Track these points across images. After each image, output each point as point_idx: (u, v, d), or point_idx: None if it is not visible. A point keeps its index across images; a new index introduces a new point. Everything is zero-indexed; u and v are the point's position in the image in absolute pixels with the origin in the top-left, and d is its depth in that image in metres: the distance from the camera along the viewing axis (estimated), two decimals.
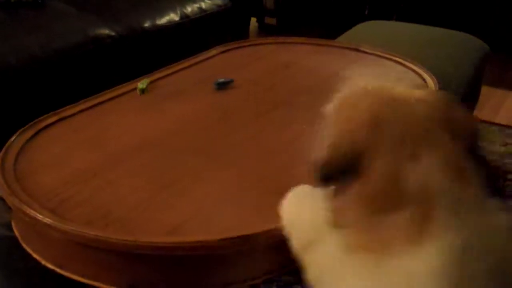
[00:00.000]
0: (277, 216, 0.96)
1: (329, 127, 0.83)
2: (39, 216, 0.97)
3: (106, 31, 2.07)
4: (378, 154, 0.75)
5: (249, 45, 1.85)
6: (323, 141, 0.82)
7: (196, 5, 2.42)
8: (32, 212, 0.98)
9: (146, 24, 2.21)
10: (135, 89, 1.48)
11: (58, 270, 1.00)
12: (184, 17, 2.34)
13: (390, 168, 0.74)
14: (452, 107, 0.80)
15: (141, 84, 1.49)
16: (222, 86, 1.50)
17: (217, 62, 1.71)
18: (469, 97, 2.08)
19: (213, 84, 1.50)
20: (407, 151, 0.74)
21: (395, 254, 0.71)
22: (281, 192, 1.07)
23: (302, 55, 1.76)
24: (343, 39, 2.16)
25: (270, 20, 3.87)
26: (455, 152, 0.76)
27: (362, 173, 0.76)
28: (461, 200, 0.73)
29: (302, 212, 0.93)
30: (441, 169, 0.74)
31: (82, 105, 1.38)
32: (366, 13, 3.42)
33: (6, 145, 1.19)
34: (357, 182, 0.76)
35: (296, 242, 0.89)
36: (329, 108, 0.86)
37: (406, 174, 0.73)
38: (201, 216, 1.00)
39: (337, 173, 0.79)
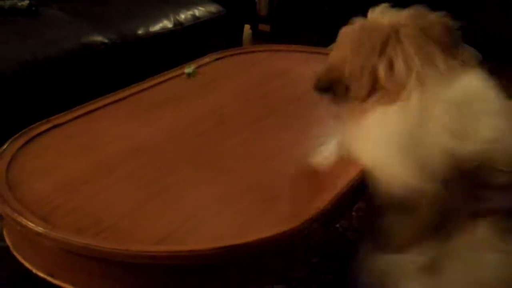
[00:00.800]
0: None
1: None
2: (31, 224, 0.97)
3: (99, 38, 2.07)
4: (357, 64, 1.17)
5: (243, 53, 1.85)
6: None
7: (189, 12, 2.42)
8: (24, 221, 0.98)
9: (140, 31, 2.21)
10: (128, 96, 1.48)
11: (49, 278, 1.00)
12: (178, 24, 2.35)
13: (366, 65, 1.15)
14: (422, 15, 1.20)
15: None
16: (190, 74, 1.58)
17: (210, 69, 1.71)
18: None
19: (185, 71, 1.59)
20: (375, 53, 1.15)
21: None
22: (272, 200, 1.07)
23: (295, 63, 1.76)
24: None
25: (264, 27, 3.87)
26: (423, 44, 1.15)
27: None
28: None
29: None
30: (408, 56, 1.14)
31: (75, 113, 1.38)
32: None
33: None
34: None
35: None
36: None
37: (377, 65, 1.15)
38: (192, 225, 1.00)
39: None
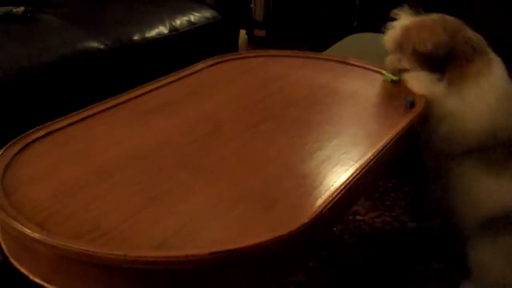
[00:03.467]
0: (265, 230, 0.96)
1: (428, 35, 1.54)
2: (27, 231, 0.97)
3: (95, 44, 2.07)
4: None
5: (238, 58, 1.85)
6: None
7: (185, 18, 2.43)
8: (20, 227, 0.98)
9: (135, 37, 2.21)
10: (123, 102, 1.48)
11: (46, 285, 0.99)
12: (173, 30, 2.35)
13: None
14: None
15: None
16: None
17: (206, 75, 1.71)
18: None
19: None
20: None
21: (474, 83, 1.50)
22: (269, 205, 1.07)
23: (291, 68, 1.77)
24: (332, 51, 2.17)
25: (260, 33, 3.88)
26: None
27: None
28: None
29: None
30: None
31: (71, 119, 1.38)
32: (354, 25, 3.44)
33: None
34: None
35: None
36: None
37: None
38: (189, 230, 1.00)
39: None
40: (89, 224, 1.01)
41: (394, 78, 1.63)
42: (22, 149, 1.24)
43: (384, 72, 1.67)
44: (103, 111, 1.43)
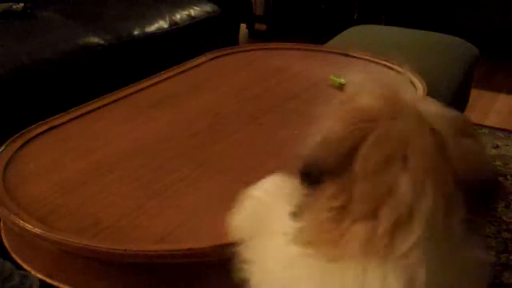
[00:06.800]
0: None
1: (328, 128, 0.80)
2: (28, 226, 0.97)
3: (95, 40, 2.07)
4: (365, 162, 0.69)
5: (239, 52, 1.85)
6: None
7: (185, 12, 2.42)
8: (21, 222, 0.98)
9: (136, 32, 2.21)
10: (124, 97, 1.48)
11: (48, 280, 0.99)
12: (173, 24, 2.34)
13: (374, 180, 0.68)
14: (462, 133, 0.71)
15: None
16: None
17: (207, 68, 1.71)
18: (459, 100, 2.09)
19: None
20: (395, 168, 0.67)
21: (347, 262, 0.66)
22: None
23: (292, 61, 1.76)
24: (332, 44, 2.17)
25: (260, 26, 3.87)
26: (446, 180, 0.68)
27: (342, 176, 0.70)
28: (438, 227, 0.66)
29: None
30: (429, 193, 0.66)
31: (72, 114, 1.38)
32: (355, 17, 3.43)
33: None
34: (334, 183, 0.71)
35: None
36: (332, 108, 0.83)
37: (388, 190, 0.66)
38: (191, 224, 1.00)
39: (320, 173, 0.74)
40: (91, 219, 1.01)
41: (342, 81, 1.55)
42: (23, 144, 1.24)
43: (331, 77, 1.58)
44: (104, 106, 1.43)
